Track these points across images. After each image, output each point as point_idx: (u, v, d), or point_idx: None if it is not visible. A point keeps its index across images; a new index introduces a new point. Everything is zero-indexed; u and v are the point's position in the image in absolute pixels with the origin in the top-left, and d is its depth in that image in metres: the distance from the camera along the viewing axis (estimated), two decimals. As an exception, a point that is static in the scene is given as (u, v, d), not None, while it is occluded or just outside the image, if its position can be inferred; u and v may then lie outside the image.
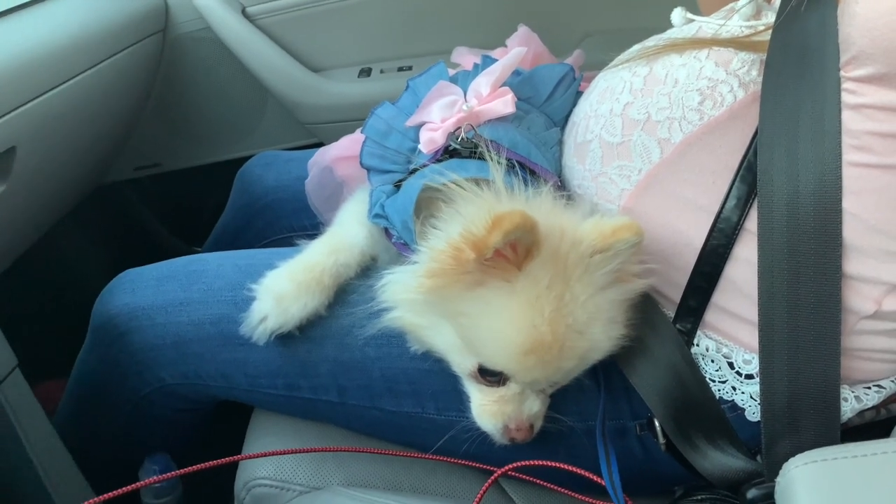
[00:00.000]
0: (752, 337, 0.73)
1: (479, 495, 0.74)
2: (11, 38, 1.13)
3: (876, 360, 0.75)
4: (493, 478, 0.76)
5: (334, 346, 0.87)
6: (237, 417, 1.00)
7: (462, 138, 0.85)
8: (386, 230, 0.87)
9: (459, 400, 0.81)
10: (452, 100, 0.88)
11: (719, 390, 0.77)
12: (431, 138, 0.86)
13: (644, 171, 0.80)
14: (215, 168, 1.68)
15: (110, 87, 1.35)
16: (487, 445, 0.80)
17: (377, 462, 0.89)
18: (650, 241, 0.76)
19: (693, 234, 0.77)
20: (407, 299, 0.77)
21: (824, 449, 0.58)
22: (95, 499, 0.63)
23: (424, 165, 0.84)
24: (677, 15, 0.90)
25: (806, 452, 0.58)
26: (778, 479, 0.59)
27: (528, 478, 0.80)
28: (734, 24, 0.82)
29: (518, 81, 0.94)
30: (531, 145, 0.87)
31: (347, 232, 0.90)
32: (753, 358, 0.75)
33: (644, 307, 0.78)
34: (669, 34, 0.89)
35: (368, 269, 0.89)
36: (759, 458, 0.73)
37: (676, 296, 0.79)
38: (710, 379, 0.78)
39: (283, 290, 0.85)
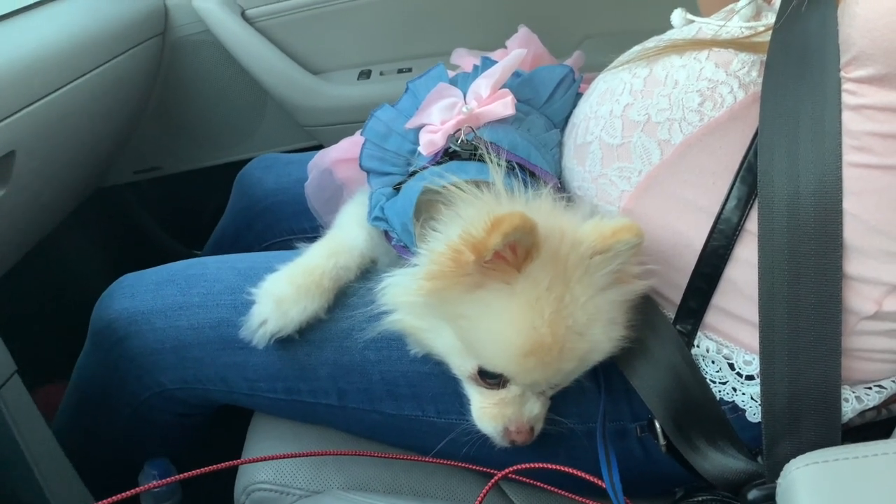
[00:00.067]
0: (752, 338, 0.73)
1: (479, 498, 0.74)
2: (11, 42, 1.13)
3: (876, 360, 0.75)
4: (493, 480, 0.76)
5: (334, 350, 0.87)
6: (237, 421, 1.00)
7: (462, 140, 0.84)
8: (386, 233, 0.87)
9: (460, 403, 0.81)
10: (452, 102, 0.88)
11: (720, 391, 0.77)
12: (431, 140, 0.86)
13: (644, 172, 0.80)
14: (215, 171, 1.68)
15: (110, 90, 1.35)
16: (488, 448, 0.80)
17: (377, 465, 0.89)
18: (650, 242, 0.76)
19: (693, 235, 0.77)
20: (407, 302, 0.77)
21: (825, 450, 0.58)
22: None
23: (424, 168, 0.84)
24: (677, 16, 0.90)
25: (807, 454, 0.58)
26: (779, 481, 0.59)
27: (528, 480, 0.80)
28: (734, 25, 0.82)
29: (518, 83, 0.94)
30: (531, 147, 0.87)
31: (347, 235, 0.90)
32: (754, 359, 0.75)
33: (644, 308, 0.78)
34: (669, 35, 0.89)
35: (368, 272, 0.89)
36: (759, 459, 0.73)
37: (677, 297, 0.79)
38: (710, 380, 0.78)
39: (282, 293, 0.85)
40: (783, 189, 0.69)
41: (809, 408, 0.67)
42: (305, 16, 1.55)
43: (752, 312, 0.71)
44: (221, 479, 0.81)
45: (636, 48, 0.90)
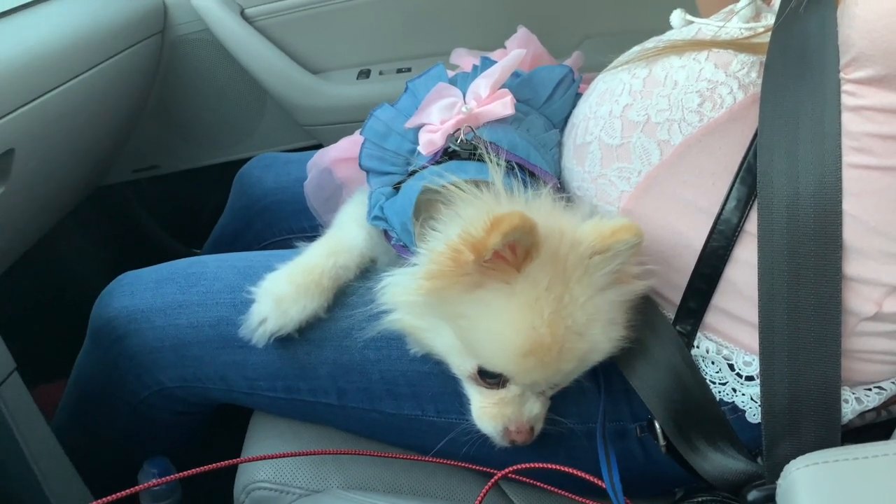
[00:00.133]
0: (752, 339, 0.73)
1: (479, 498, 0.74)
2: (9, 40, 1.13)
3: (876, 361, 0.75)
4: (493, 480, 0.76)
5: (334, 349, 0.87)
6: (236, 420, 1.00)
7: (461, 140, 0.84)
8: (385, 232, 0.87)
9: (459, 402, 0.81)
10: (451, 101, 0.88)
11: (719, 392, 0.77)
12: (430, 140, 0.86)
13: (643, 172, 0.80)
14: (214, 170, 1.68)
15: (109, 88, 1.35)
16: (487, 448, 0.80)
17: (377, 465, 0.88)
18: (650, 242, 0.76)
19: (693, 235, 0.77)
20: (406, 301, 0.77)
21: (825, 451, 0.58)
22: (94, 503, 0.63)
23: (423, 167, 0.84)
24: (676, 17, 0.90)
25: (807, 455, 0.57)
26: (779, 482, 0.59)
27: (528, 480, 0.80)
28: (733, 25, 0.82)
29: (517, 83, 0.94)
30: (530, 147, 0.87)
31: (346, 234, 0.90)
32: (754, 360, 0.75)
33: (644, 309, 0.78)
34: (669, 36, 0.89)
35: (368, 272, 0.89)
36: (759, 459, 0.73)
37: (676, 297, 0.79)
38: (710, 381, 0.78)
39: (282, 292, 0.85)
40: (783, 190, 0.69)
41: (809, 409, 0.67)
42: (305, 15, 1.55)
43: (752, 313, 0.71)
44: (221, 477, 0.81)
45: (635, 49, 0.90)
